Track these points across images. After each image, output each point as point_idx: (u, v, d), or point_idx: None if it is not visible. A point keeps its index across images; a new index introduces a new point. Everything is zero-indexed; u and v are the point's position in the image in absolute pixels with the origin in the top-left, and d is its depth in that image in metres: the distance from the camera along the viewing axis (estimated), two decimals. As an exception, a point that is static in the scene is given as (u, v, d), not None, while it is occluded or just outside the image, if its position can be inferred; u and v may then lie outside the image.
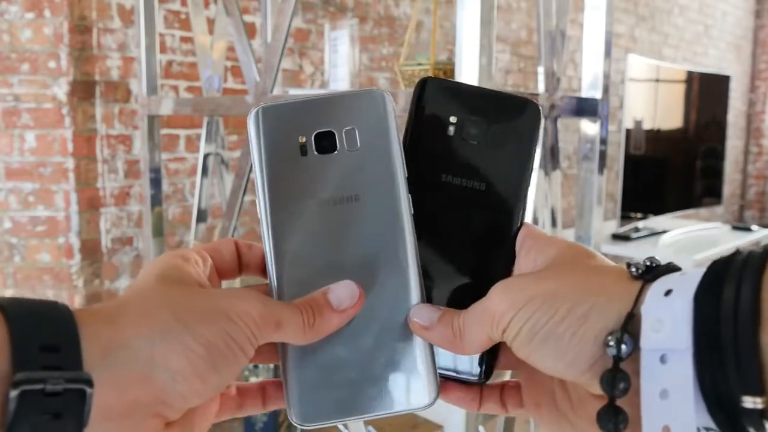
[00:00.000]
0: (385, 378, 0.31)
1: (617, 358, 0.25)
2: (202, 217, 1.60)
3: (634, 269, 0.27)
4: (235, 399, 0.33)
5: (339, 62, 1.25)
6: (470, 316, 0.30)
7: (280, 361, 0.32)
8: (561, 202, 1.17)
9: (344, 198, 0.31)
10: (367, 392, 0.31)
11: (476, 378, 0.33)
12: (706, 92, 2.90)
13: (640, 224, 2.53)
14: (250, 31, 1.92)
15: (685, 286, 0.25)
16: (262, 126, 0.32)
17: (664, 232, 2.50)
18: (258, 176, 0.32)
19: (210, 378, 0.27)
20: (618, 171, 2.38)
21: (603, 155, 1.12)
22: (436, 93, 0.34)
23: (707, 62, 4.88)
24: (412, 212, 0.32)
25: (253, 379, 1.05)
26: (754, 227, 2.75)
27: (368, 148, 0.32)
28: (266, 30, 1.48)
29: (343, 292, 0.30)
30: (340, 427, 1.78)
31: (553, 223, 1.16)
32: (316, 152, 0.32)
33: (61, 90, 1.91)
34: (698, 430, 0.23)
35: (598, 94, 1.10)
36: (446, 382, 0.33)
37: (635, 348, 0.25)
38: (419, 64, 1.05)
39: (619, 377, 0.25)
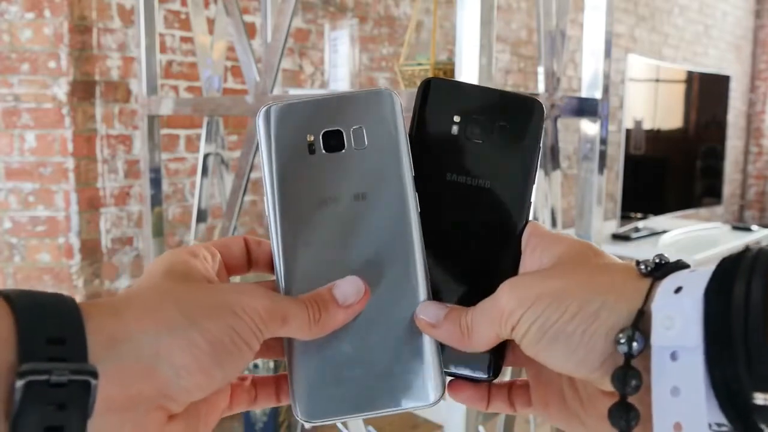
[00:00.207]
0: (390, 375, 0.31)
1: (628, 356, 0.25)
2: (202, 217, 1.60)
3: (643, 266, 0.28)
4: (250, 392, 0.33)
5: (339, 62, 1.25)
6: (478, 313, 0.30)
7: (285, 358, 0.32)
8: (561, 202, 1.17)
9: (351, 196, 0.31)
10: (373, 389, 0.30)
11: (485, 376, 0.32)
12: (706, 92, 2.90)
13: (640, 224, 2.53)
14: (250, 31, 1.92)
15: (694, 283, 0.25)
16: (272, 125, 0.32)
17: (664, 232, 2.50)
18: (266, 174, 0.32)
19: (214, 373, 0.27)
20: (618, 171, 2.38)
21: (603, 155, 1.12)
22: (439, 93, 0.34)
23: (707, 62, 4.88)
24: (419, 211, 0.32)
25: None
26: (754, 227, 2.75)
27: (376, 147, 0.32)
28: (266, 30, 1.48)
29: (348, 288, 0.31)
30: (340, 426, 1.78)
31: (553, 223, 1.16)
32: (324, 151, 0.32)
33: (61, 90, 1.91)
34: (710, 426, 0.23)
35: (598, 94, 1.10)
36: (455, 381, 0.33)
37: (646, 345, 0.25)
38: (419, 64, 1.05)
39: (630, 374, 0.25)
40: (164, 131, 2.06)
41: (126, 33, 2.03)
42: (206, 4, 2.11)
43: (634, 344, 0.25)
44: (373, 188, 0.31)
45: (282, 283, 0.32)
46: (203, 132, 1.58)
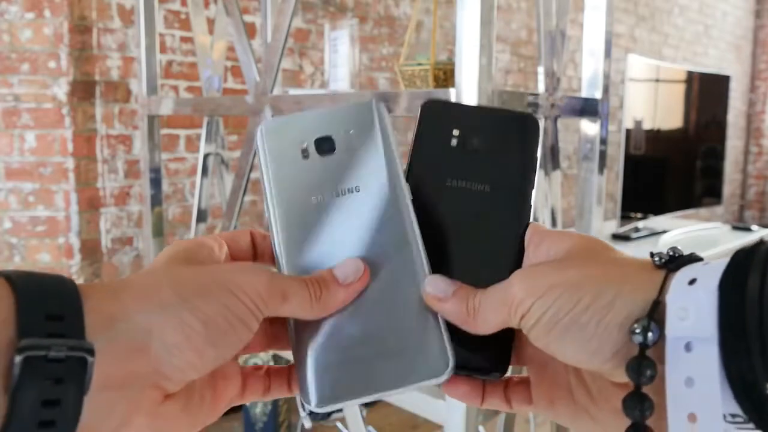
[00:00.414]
0: (399, 354, 0.30)
1: (644, 346, 0.25)
2: (202, 217, 1.60)
3: (657, 258, 0.28)
4: (264, 381, 0.33)
5: (339, 62, 1.25)
6: (487, 297, 0.30)
7: (291, 345, 0.32)
8: (561, 202, 1.17)
9: (345, 189, 0.33)
10: (382, 369, 0.30)
11: (494, 372, 0.32)
12: (706, 92, 2.90)
13: (640, 224, 2.53)
14: (250, 31, 1.92)
15: (709, 275, 0.25)
16: (267, 137, 0.34)
17: (664, 232, 2.50)
18: (264, 179, 0.34)
19: (207, 352, 0.27)
20: (618, 171, 2.38)
21: (603, 155, 1.12)
22: (439, 112, 0.36)
23: (707, 62, 4.88)
24: (411, 198, 0.33)
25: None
26: (754, 227, 2.75)
27: (365, 147, 0.33)
28: (266, 30, 1.48)
29: (347, 268, 0.31)
30: (340, 426, 1.78)
31: (553, 223, 1.16)
32: (317, 154, 0.34)
33: (61, 90, 1.91)
34: (724, 417, 0.24)
35: (598, 94, 1.10)
36: (452, 377, 0.32)
37: (660, 336, 0.25)
38: (419, 64, 1.05)
39: (645, 364, 0.25)
40: (164, 131, 2.06)
41: (126, 33, 2.03)
42: (206, 4, 2.11)
43: (650, 334, 0.25)
44: (366, 182, 0.33)
45: (284, 272, 0.33)
46: (203, 132, 1.58)
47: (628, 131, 2.40)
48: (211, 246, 0.32)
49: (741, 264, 0.24)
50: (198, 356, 0.27)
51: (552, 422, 1.19)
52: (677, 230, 2.54)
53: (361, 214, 0.33)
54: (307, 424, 1.73)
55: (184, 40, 2.16)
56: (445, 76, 1.03)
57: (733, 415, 0.24)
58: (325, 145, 0.34)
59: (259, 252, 0.34)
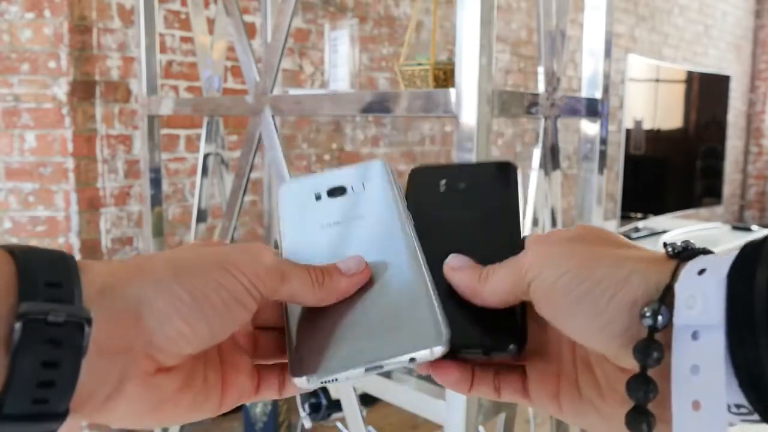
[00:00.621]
0: (391, 328, 0.31)
1: (653, 329, 0.25)
2: (202, 217, 1.60)
3: (670, 249, 0.28)
4: (279, 377, 0.33)
5: (339, 62, 1.25)
6: (500, 267, 0.31)
7: (284, 323, 0.32)
8: (561, 202, 1.17)
9: (351, 217, 0.36)
10: (375, 342, 0.30)
11: (510, 346, 0.31)
12: (706, 92, 2.90)
13: (640, 224, 2.53)
14: (250, 31, 1.92)
15: (718, 266, 0.25)
16: (287, 193, 0.39)
17: (664, 232, 2.50)
18: (279, 223, 0.38)
19: (198, 326, 0.28)
20: (618, 171, 2.38)
21: (603, 155, 1.12)
22: (426, 172, 0.40)
23: (707, 62, 4.88)
24: (413, 224, 0.35)
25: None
26: (754, 227, 2.75)
27: (373, 191, 0.37)
28: (266, 30, 1.49)
29: (350, 261, 0.33)
30: (340, 426, 1.78)
31: (553, 223, 1.16)
32: (328, 197, 0.38)
33: (61, 90, 1.91)
34: (729, 407, 0.24)
35: (598, 94, 1.10)
36: (441, 362, 0.31)
37: (669, 321, 0.25)
38: (419, 64, 1.05)
39: (653, 347, 0.25)
40: (164, 131, 2.06)
41: (126, 33, 2.03)
42: (206, 4, 2.11)
43: (659, 318, 0.25)
44: (370, 211, 0.36)
45: None
46: (203, 132, 1.59)
47: (628, 131, 2.40)
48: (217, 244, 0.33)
49: (749, 256, 0.24)
50: (188, 327, 0.28)
51: (552, 422, 1.19)
52: (677, 230, 2.54)
53: (363, 231, 0.35)
54: (307, 424, 1.73)
55: (184, 40, 2.16)
56: (445, 76, 1.03)
57: (738, 406, 0.24)
58: (336, 192, 0.38)
59: None
